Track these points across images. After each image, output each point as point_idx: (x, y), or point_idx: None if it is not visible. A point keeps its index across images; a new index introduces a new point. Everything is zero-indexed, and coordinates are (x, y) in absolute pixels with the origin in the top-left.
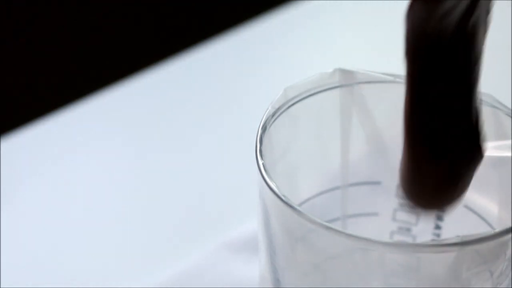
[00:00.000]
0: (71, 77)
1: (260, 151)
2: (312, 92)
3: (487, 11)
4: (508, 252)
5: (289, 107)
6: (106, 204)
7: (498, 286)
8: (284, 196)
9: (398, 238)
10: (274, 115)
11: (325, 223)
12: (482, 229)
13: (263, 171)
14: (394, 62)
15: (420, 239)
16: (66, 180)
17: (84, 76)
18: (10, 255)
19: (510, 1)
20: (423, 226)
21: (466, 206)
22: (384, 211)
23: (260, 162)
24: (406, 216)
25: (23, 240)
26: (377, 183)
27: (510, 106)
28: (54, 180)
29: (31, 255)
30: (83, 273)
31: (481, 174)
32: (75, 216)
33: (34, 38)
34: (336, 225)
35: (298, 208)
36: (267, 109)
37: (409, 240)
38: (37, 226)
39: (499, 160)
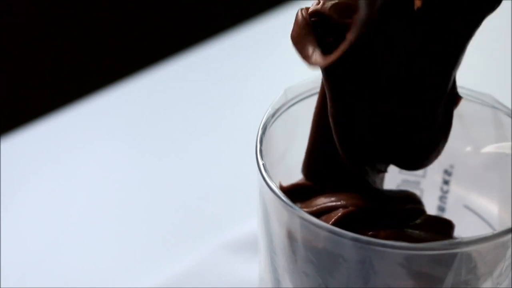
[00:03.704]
0: (71, 77)
1: (260, 151)
2: (312, 92)
3: None
4: (508, 253)
5: (289, 107)
6: (106, 204)
7: (498, 286)
8: (284, 196)
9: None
10: (274, 115)
11: (325, 224)
12: (482, 229)
13: (263, 171)
14: None
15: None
16: (66, 180)
17: (84, 76)
18: (10, 255)
19: (510, 1)
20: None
21: (466, 206)
22: None
23: (260, 163)
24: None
25: (23, 240)
26: None
27: (510, 106)
28: (54, 180)
29: (31, 255)
30: (83, 273)
31: (481, 174)
32: (75, 216)
33: (34, 39)
34: None
35: (297, 208)
36: (267, 109)
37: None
38: (37, 226)
39: (499, 160)
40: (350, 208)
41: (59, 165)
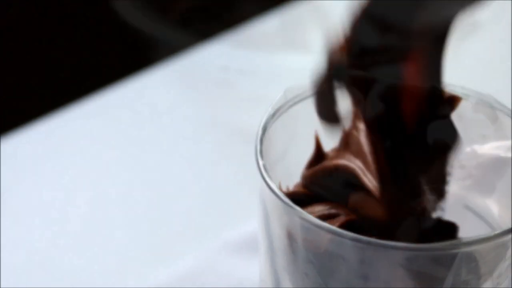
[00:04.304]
0: (71, 78)
1: (260, 152)
2: (311, 92)
3: None
4: (508, 253)
5: (289, 108)
6: (106, 204)
7: (498, 286)
8: (284, 196)
9: None
10: (274, 116)
11: (325, 224)
12: (482, 229)
13: (263, 172)
14: None
15: None
16: (66, 180)
17: (84, 76)
18: (10, 255)
19: (510, 1)
20: None
21: (466, 206)
22: None
23: (261, 163)
24: None
25: (23, 240)
26: None
27: (510, 106)
28: (54, 180)
29: (31, 255)
30: (83, 273)
31: (481, 174)
32: (75, 216)
33: (34, 39)
34: None
35: (298, 208)
36: (268, 110)
37: None
38: (37, 226)
39: (499, 160)
40: (352, 216)
41: (59, 165)
